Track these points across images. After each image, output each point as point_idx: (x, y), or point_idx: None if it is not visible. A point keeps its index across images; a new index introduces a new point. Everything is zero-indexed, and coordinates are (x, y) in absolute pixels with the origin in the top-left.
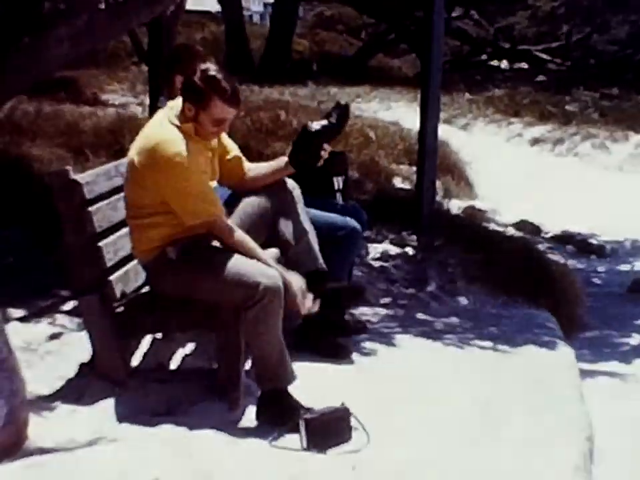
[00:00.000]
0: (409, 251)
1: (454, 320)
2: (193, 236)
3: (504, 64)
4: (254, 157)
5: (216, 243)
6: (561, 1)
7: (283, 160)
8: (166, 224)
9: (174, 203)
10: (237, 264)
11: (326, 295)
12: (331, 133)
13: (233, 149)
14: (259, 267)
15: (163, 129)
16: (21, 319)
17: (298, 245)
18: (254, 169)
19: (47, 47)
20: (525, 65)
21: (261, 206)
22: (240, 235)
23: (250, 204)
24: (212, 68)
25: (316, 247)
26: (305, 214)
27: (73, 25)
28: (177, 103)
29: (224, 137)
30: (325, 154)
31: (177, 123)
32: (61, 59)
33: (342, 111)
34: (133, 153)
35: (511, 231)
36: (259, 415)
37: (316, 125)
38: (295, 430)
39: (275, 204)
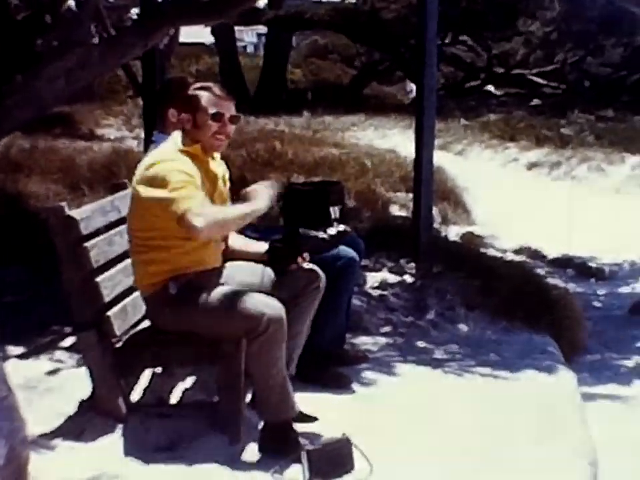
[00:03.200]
0: (408, 278)
1: (454, 347)
2: (194, 272)
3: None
4: None
5: (217, 279)
6: (553, 27)
7: (262, 249)
8: (168, 260)
9: (158, 201)
10: (239, 296)
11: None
12: (319, 247)
13: None
14: (261, 298)
15: (161, 151)
16: (20, 356)
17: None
18: (235, 238)
19: (41, 84)
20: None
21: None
22: (214, 217)
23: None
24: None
25: (298, 351)
26: (313, 313)
27: (66, 61)
28: (175, 137)
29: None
30: (301, 262)
31: (182, 147)
32: (56, 95)
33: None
34: (133, 182)
35: (510, 256)
36: (261, 448)
37: (315, 233)
38: (297, 461)
39: (294, 289)
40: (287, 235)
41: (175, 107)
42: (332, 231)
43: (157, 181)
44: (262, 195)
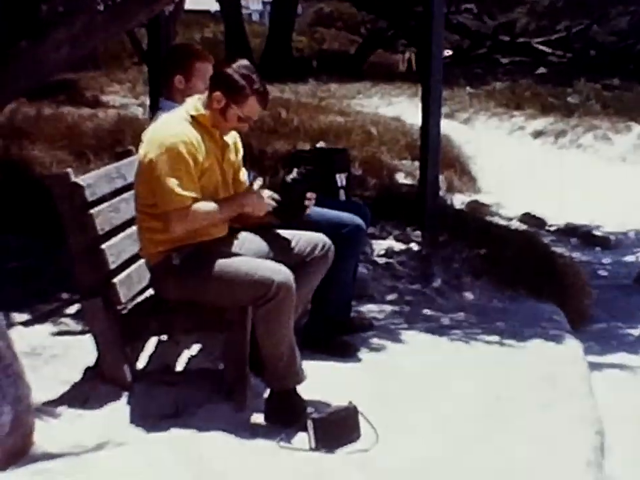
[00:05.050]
0: (414, 246)
1: (460, 315)
2: (198, 243)
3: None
4: (256, 156)
5: (222, 249)
6: None
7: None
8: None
9: (156, 184)
10: (246, 264)
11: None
12: (308, 180)
13: (244, 179)
14: (268, 264)
15: (170, 119)
16: (25, 324)
17: None
18: None
19: (46, 50)
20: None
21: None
22: (191, 224)
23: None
24: (248, 65)
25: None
26: (317, 282)
27: (71, 27)
28: (191, 100)
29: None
30: (309, 202)
31: (193, 112)
32: (61, 62)
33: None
34: (141, 147)
35: (515, 225)
36: (267, 415)
37: (291, 176)
38: (303, 430)
39: (301, 255)
40: (281, 188)
41: (181, 73)
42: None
43: (160, 157)
44: (250, 199)
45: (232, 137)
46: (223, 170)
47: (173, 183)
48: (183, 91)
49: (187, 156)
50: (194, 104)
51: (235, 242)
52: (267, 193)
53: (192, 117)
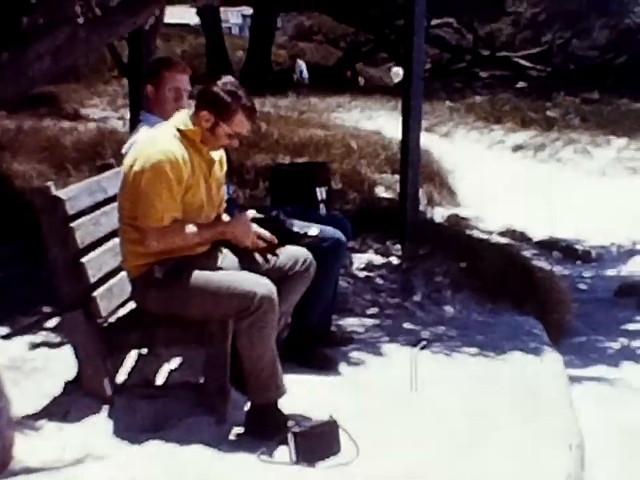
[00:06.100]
0: (394, 260)
1: (440, 329)
2: (181, 257)
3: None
4: (235, 169)
5: (204, 263)
6: (542, 7)
7: None
8: None
9: (138, 198)
10: (229, 277)
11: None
12: (295, 240)
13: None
14: (252, 277)
15: (158, 133)
16: (5, 337)
17: None
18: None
19: (27, 62)
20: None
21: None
22: (167, 243)
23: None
24: (233, 81)
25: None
26: (298, 296)
27: (52, 40)
28: (179, 114)
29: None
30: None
31: (182, 127)
32: (42, 75)
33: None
34: (126, 160)
35: (496, 238)
36: (247, 429)
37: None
38: (284, 443)
39: (283, 270)
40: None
41: (151, 82)
42: (314, 231)
43: (144, 173)
44: (232, 226)
45: (218, 153)
46: (209, 186)
47: (153, 200)
48: (154, 101)
49: (171, 175)
50: (182, 119)
51: (218, 255)
52: (254, 227)
53: (180, 131)
